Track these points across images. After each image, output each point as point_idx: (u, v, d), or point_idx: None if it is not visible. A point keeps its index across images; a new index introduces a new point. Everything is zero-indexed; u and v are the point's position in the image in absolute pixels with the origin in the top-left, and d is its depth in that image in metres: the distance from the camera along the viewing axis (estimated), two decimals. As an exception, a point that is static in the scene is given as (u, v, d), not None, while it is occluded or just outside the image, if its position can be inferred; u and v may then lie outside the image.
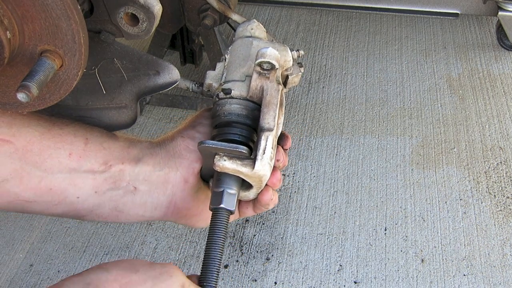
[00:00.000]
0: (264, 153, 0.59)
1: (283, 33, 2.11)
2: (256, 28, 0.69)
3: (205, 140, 0.61)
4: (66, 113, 0.70)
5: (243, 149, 0.59)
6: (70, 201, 0.65)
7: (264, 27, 0.73)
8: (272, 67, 0.60)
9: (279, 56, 0.61)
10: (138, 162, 0.67)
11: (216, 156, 0.60)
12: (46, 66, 0.54)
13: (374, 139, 1.67)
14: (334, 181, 1.55)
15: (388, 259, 1.36)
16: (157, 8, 0.62)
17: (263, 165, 0.59)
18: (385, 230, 1.42)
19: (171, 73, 0.70)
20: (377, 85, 1.86)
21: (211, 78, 0.67)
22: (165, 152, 0.68)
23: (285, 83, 0.70)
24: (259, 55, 0.60)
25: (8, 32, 0.53)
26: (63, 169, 0.64)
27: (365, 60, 1.97)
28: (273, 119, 0.61)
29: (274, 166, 0.65)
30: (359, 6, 2.13)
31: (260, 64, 0.61)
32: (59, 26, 0.54)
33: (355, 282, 1.32)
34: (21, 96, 0.52)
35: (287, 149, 0.69)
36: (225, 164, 0.60)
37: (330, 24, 2.15)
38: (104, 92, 0.68)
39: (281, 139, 0.68)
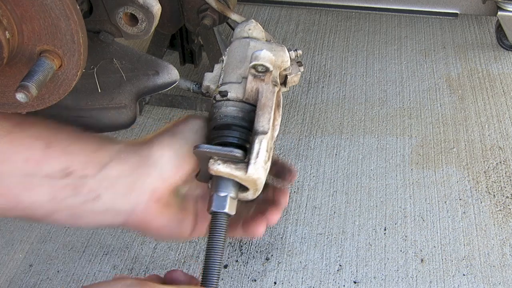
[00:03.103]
0: (258, 156, 0.58)
1: (282, 33, 2.11)
2: (254, 29, 0.69)
3: (200, 144, 0.60)
4: (65, 113, 0.70)
5: (238, 152, 0.59)
6: (24, 206, 0.62)
7: (264, 27, 0.72)
8: (267, 70, 0.60)
9: (274, 58, 0.60)
10: (102, 168, 0.62)
11: (211, 160, 0.60)
12: (45, 66, 0.54)
13: (373, 139, 1.67)
14: (334, 181, 1.55)
15: (388, 259, 1.36)
16: (156, 8, 0.62)
17: (257, 169, 0.59)
18: (385, 230, 1.42)
19: (171, 73, 0.70)
20: (377, 85, 1.86)
21: (209, 80, 0.67)
22: (138, 157, 0.63)
23: (284, 83, 0.70)
24: (253, 58, 0.59)
25: (7, 32, 0.53)
26: (18, 174, 0.60)
27: (365, 60, 1.97)
28: (267, 122, 0.60)
29: (278, 205, 0.65)
30: (359, 6, 2.13)
31: (254, 67, 0.60)
32: (58, 26, 0.54)
33: (355, 282, 1.32)
34: (20, 96, 0.52)
35: (292, 183, 0.67)
36: (219, 168, 0.59)
37: (330, 24, 2.15)
38: (100, 91, 0.68)
39: (285, 173, 0.66)
